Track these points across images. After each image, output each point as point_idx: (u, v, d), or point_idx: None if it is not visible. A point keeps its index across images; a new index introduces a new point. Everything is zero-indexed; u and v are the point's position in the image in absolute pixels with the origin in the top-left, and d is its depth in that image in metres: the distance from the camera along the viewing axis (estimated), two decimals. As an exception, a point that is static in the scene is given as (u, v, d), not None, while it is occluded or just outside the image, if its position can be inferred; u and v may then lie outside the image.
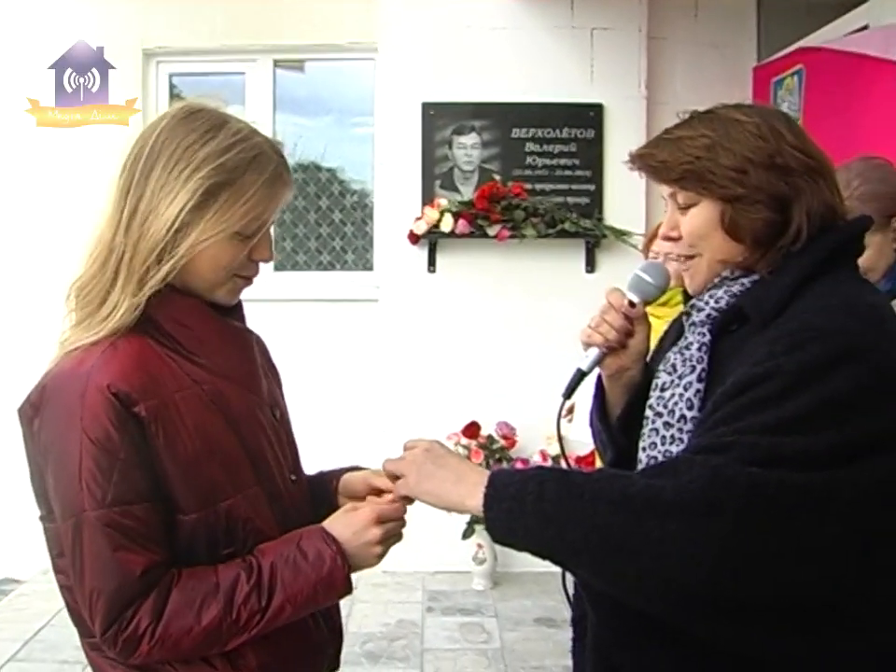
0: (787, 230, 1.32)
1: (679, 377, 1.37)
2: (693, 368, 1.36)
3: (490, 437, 4.73)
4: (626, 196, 4.74)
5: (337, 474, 1.61)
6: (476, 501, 1.25)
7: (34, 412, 1.35)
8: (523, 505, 1.21)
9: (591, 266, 4.89)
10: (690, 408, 1.34)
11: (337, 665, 1.56)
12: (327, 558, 1.36)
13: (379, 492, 1.51)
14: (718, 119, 1.38)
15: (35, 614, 4.26)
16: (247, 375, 1.48)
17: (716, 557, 1.13)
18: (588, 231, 4.81)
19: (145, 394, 1.31)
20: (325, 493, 1.59)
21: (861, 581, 1.20)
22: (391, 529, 1.42)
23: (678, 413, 1.35)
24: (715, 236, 1.37)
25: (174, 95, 5.29)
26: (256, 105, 5.19)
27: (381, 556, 1.42)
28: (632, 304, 1.48)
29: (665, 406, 1.37)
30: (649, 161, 1.41)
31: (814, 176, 1.33)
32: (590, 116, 4.86)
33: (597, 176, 4.87)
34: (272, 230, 1.47)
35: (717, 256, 1.38)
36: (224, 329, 1.46)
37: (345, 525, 1.40)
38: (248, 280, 1.46)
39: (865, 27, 3.76)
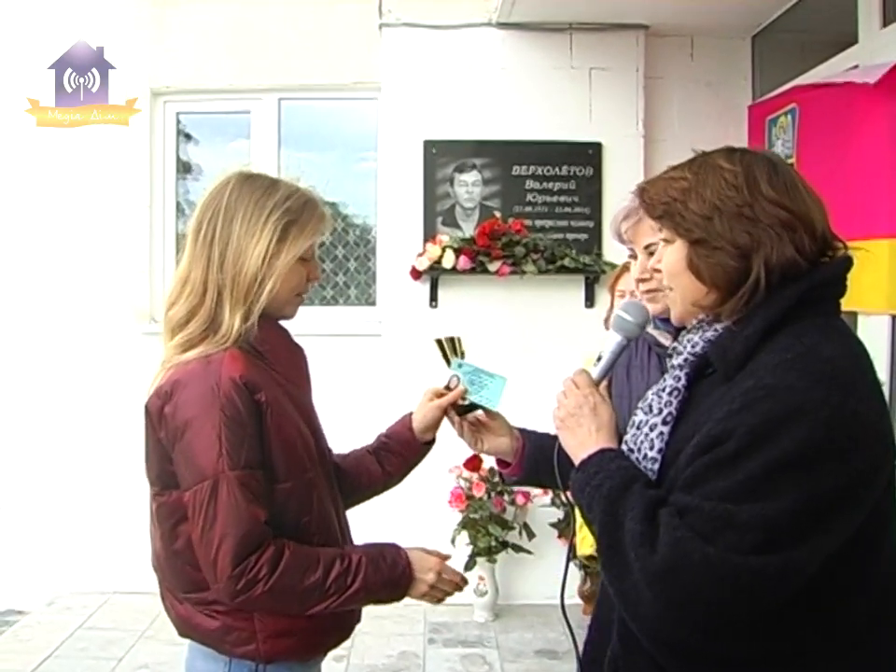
0: (747, 279, 1.35)
1: (651, 418, 1.44)
2: (661, 410, 1.43)
3: (491, 469, 4.75)
4: (625, 232, 4.80)
5: (402, 421, 2.09)
6: (577, 463, 1.50)
7: (164, 400, 1.71)
8: (586, 484, 1.43)
9: (590, 301, 4.96)
10: (651, 448, 1.42)
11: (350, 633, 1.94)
12: (399, 566, 1.79)
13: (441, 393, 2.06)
14: (704, 163, 1.42)
15: (38, 646, 4.29)
16: (305, 381, 1.93)
17: (660, 618, 1.27)
18: (587, 267, 4.88)
19: (259, 388, 1.71)
20: (388, 448, 2.08)
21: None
22: (443, 586, 1.84)
23: (642, 451, 1.43)
24: (684, 276, 1.42)
25: (180, 133, 5.39)
26: (261, 140, 5.29)
27: (425, 595, 1.83)
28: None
29: (636, 443, 1.45)
30: (643, 195, 1.48)
31: (781, 230, 1.34)
32: (589, 154, 4.95)
33: (596, 213, 4.95)
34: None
35: (687, 295, 1.44)
36: (291, 345, 1.93)
37: (418, 558, 1.82)
38: (303, 298, 1.90)
39: (856, 67, 3.84)
